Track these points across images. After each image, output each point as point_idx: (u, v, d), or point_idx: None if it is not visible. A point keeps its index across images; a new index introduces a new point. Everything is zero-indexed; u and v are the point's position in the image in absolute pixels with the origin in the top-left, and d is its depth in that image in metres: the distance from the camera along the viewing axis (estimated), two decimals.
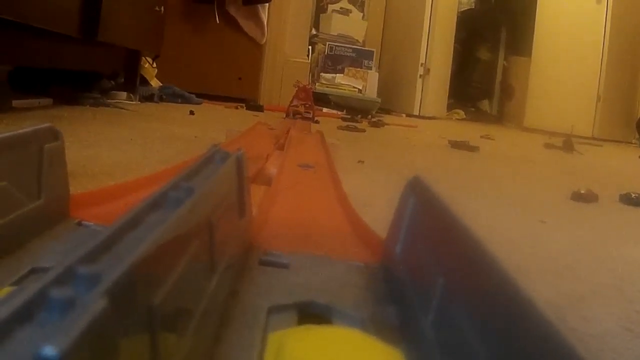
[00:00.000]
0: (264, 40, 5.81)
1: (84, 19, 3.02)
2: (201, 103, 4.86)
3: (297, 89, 4.18)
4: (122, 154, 1.95)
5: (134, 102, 4.07)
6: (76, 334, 0.28)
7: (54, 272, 0.32)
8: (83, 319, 0.29)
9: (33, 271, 0.62)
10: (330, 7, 7.31)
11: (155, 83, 4.84)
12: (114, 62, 4.03)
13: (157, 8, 4.31)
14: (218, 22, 5.63)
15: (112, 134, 2.41)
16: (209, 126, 3.21)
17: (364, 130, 3.97)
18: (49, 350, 0.26)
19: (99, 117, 3.02)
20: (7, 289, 0.55)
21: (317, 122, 3.94)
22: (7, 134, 0.69)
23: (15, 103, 2.80)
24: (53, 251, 0.70)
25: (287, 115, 3.83)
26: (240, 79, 5.72)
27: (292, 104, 4.00)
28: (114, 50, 3.87)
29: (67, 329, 0.28)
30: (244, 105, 5.14)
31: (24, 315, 0.29)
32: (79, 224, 0.80)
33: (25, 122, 2.47)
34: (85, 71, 3.72)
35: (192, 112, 3.83)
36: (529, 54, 7.00)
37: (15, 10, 2.40)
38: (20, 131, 0.72)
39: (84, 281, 0.32)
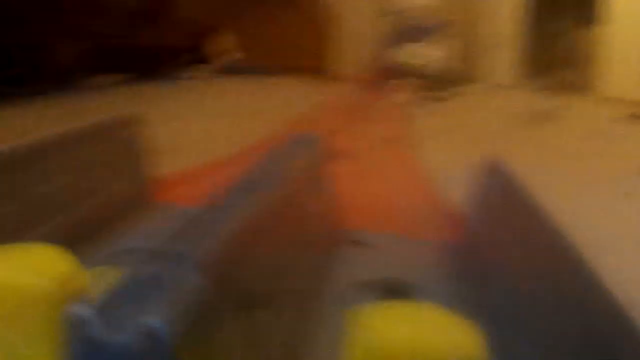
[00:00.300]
0: (336, 13, 5.79)
1: None
2: (277, 75, 4.87)
3: (374, 62, 4.16)
4: (204, 127, 1.99)
5: (212, 76, 4.11)
6: (177, 308, 0.30)
7: (150, 252, 0.35)
8: (183, 293, 0.32)
9: (121, 252, 0.65)
10: None
11: (232, 56, 4.87)
12: (192, 36, 4.06)
13: None
14: None
15: (192, 108, 2.45)
16: (288, 99, 3.22)
17: (442, 101, 3.90)
18: (156, 322, 0.29)
19: (179, 92, 3.07)
20: (99, 269, 0.58)
21: (396, 94, 3.92)
22: (84, 125, 0.72)
23: (97, 81, 2.85)
24: (141, 233, 0.73)
25: (365, 88, 3.82)
26: (315, 51, 5.72)
27: (369, 77, 3.99)
28: (192, 25, 3.91)
29: (169, 304, 0.30)
30: (320, 76, 5.13)
31: (127, 292, 0.32)
32: (166, 206, 0.82)
33: (108, 100, 2.52)
34: (165, 47, 3.75)
35: (268, 87, 3.83)
36: (607, 21, 6.86)
37: None
38: (98, 121, 0.75)
39: (180, 260, 0.34)
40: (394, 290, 0.60)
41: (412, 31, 6.55)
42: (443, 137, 2.26)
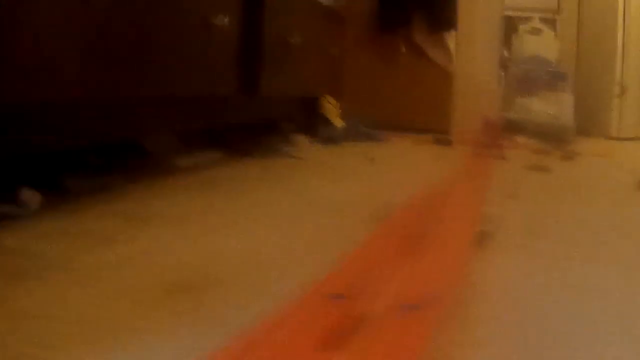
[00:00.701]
0: (452, 69, 5.65)
1: (243, 75, 2.90)
2: (385, 140, 4.72)
3: (483, 123, 4.05)
4: (257, 244, 1.78)
5: (313, 147, 3.99)
6: None
7: None
8: None
9: None
10: (521, 27, 7.06)
11: (338, 122, 4.74)
12: (288, 106, 3.96)
13: (331, 51, 4.22)
14: (404, 51, 5.52)
15: (291, 198, 2.29)
16: (382, 183, 3.02)
17: (550, 170, 3.60)
18: None
19: (260, 174, 2.92)
20: None
21: (505, 158, 3.79)
22: None
23: (180, 162, 2.75)
24: None
25: (474, 152, 3.74)
26: (427, 110, 5.57)
27: (479, 140, 3.90)
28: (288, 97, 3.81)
29: None
30: (431, 138, 4.97)
31: None
32: None
33: (181, 187, 2.40)
34: (261, 119, 3.65)
35: (372, 159, 3.68)
36: None
37: (170, 84, 2.34)
38: None
39: None
40: None
41: (530, 83, 6.37)
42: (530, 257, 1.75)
